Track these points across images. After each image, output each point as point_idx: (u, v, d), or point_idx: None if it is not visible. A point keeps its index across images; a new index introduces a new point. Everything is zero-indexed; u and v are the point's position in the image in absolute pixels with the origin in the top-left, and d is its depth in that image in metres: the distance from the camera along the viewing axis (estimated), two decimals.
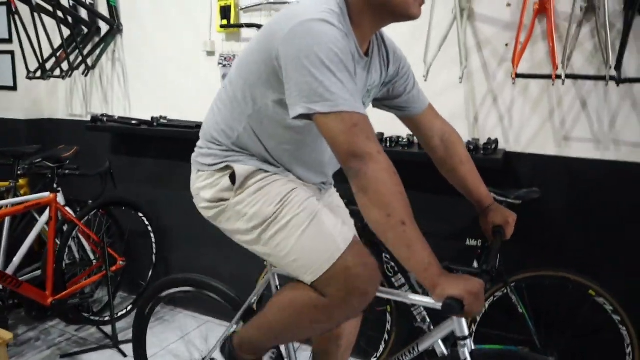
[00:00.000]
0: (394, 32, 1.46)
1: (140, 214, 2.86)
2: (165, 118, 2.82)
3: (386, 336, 2.27)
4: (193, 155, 1.49)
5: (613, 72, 1.70)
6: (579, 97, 2.00)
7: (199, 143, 1.48)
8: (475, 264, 2.09)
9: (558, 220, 2.10)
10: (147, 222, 2.89)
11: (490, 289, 2.09)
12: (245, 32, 2.62)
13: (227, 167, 1.36)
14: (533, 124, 2.09)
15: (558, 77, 1.75)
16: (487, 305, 2.10)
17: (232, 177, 1.35)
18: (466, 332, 1.35)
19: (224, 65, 2.66)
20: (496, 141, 2.10)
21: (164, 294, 1.87)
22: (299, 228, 1.28)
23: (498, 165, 2.01)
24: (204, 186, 1.42)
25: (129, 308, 2.86)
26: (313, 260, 1.27)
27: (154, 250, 2.94)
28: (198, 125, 2.68)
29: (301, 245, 1.28)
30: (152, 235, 2.92)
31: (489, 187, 1.61)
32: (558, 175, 2.07)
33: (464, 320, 1.35)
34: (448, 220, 2.24)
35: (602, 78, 1.70)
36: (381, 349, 2.29)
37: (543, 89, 2.05)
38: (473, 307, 1.08)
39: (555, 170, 2.07)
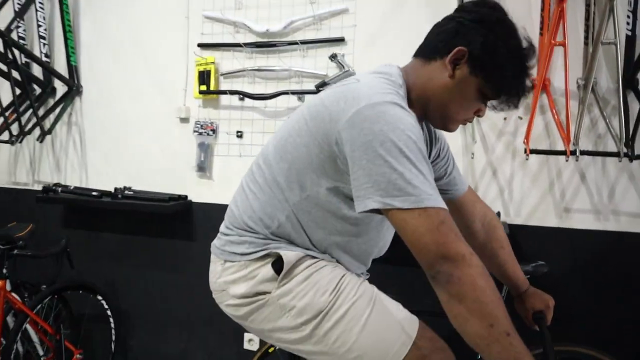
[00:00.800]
0: None
1: (99, 297, 2.53)
2: (130, 189, 2.57)
3: None
4: (217, 243, 1.30)
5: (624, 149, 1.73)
6: (578, 170, 2.03)
7: (224, 230, 1.29)
8: None
9: (563, 292, 2.05)
10: (106, 306, 2.56)
11: None
12: (224, 99, 2.47)
13: (267, 256, 1.18)
14: (533, 196, 2.09)
15: (572, 153, 1.75)
16: None
17: (275, 266, 1.17)
18: None
19: (200, 133, 2.48)
20: (498, 214, 2.07)
21: None
22: (361, 317, 1.13)
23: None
24: (236, 279, 1.22)
25: None
26: (382, 354, 1.12)
27: (113, 337, 2.59)
28: (172, 198, 2.47)
29: (365, 338, 1.12)
30: (111, 320, 2.58)
31: None
32: (561, 247, 2.06)
33: None
34: None
35: (616, 154, 1.72)
36: None
37: (542, 162, 2.06)
38: None
39: (557, 242, 2.06)
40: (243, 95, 2.38)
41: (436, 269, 0.98)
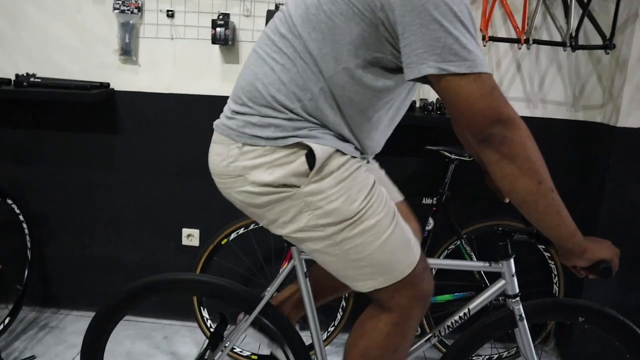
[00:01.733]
0: None
1: (9, 201, 2.22)
2: (34, 76, 2.20)
3: (344, 303, 2.24)
4: (230, 123, 1.18)
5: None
6: (515, 60, 2.18)
7: (238, 108, 1.18)
8: (431, 222, 2.18)
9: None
10: (17, 210, 2.26)
11: (444, 242, 2.21)
12: None
13: (298, 145, 1.13)
14: None
15: (526, 41, 1.87)
16: (442, 258, 2.22)
17: (309, 159, 1.12)
18: (517, 290, 1.42)
19: (123, 11, 2.16)
20: None
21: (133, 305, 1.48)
22: (383, 233, 1.18)
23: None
24: (259, 165, 1.14)
25: (6, 321, 2.24)
26: (389, 268, 1.21)
27: (29, 244, 2.33)
28: (94, 86, 2.17)
29: (380, 253, 1.18)
30: (24, 225, 2.30)
31: (443, 147, 2.01)
32: None
33: (515, 279, 1.42)
34: (403, 179, 2.25)
35: (562, 44, 1.87)
36: (339, 316, 2.25)
37: (484, 52, 2.18)
38: (617, 267, 1.14)
39: None
40: None
41: (489, 132, 1.02)
